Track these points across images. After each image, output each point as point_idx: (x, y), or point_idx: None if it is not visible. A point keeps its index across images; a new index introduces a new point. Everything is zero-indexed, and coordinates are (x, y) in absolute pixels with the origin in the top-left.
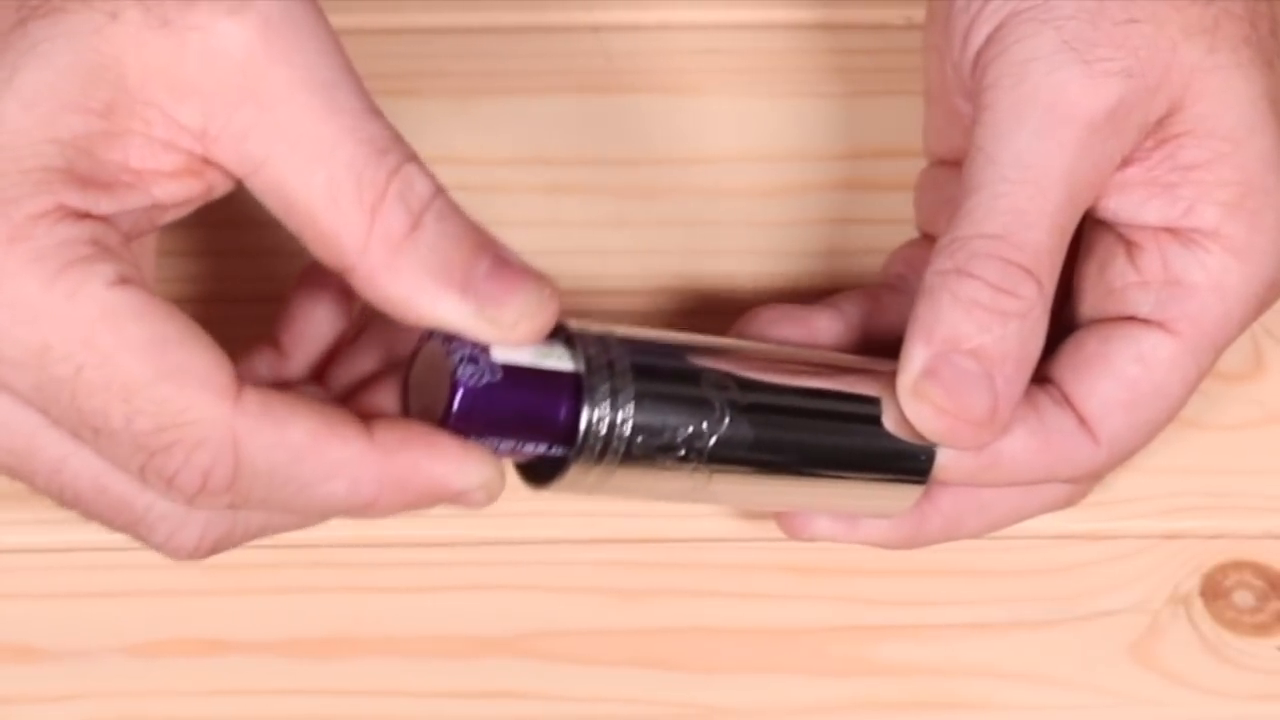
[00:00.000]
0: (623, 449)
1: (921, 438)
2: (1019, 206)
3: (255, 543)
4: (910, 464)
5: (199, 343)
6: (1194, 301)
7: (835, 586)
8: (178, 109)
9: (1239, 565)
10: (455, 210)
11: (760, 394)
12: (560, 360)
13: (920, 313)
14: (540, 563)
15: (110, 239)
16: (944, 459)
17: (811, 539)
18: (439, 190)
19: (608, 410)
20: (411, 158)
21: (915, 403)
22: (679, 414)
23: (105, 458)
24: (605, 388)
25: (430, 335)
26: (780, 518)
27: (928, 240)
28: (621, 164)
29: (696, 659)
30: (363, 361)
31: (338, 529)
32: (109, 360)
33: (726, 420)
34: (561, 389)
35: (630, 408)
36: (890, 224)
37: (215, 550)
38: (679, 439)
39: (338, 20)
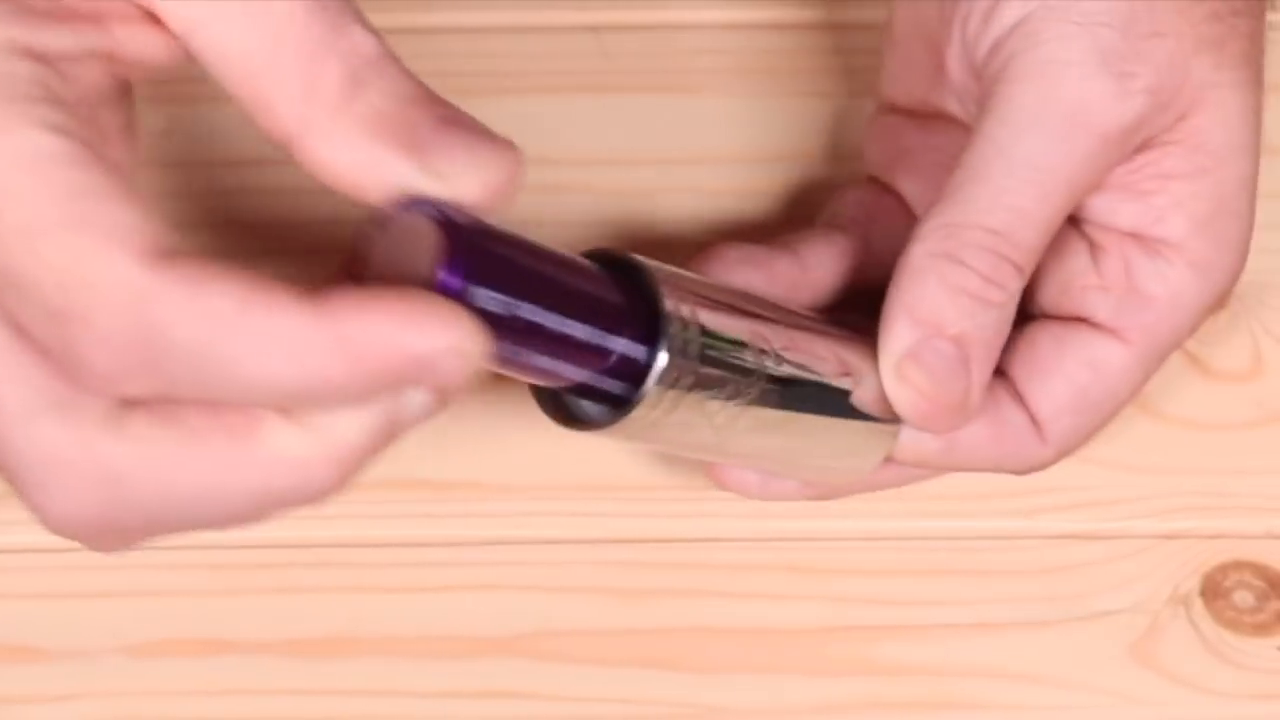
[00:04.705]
0: (681, 399)
1: (892, 414)
2: (1022, 206)
3: (255, 542)
4: (878, 437)
5: (124, 199)
6: (1151, 313)
7: (835, 586)
8: None
9: (1239, 565)
10: (400, 69)
11: (782, 373)
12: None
13: (905, 291)
14: (540, 563)
15: (65, 92)
16: (905, 438)
17: (736, 490)
18: (384, 49)
19: (680, 357)
20: (357, 18)
21: (899, 385)
22: (727, 371)
23: (25, 322)
24: (681, 337)
25: (390, 217)
26: (710, 469)
27: (876, 185)
28: (621, 164)
29: (696, 659)
30: None
31: (338, 529)
32: (24, 203)
33: (764, 384)
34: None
35: (696, 361)
36: None
37: (103, 529)
38: (723, 394)
39: None
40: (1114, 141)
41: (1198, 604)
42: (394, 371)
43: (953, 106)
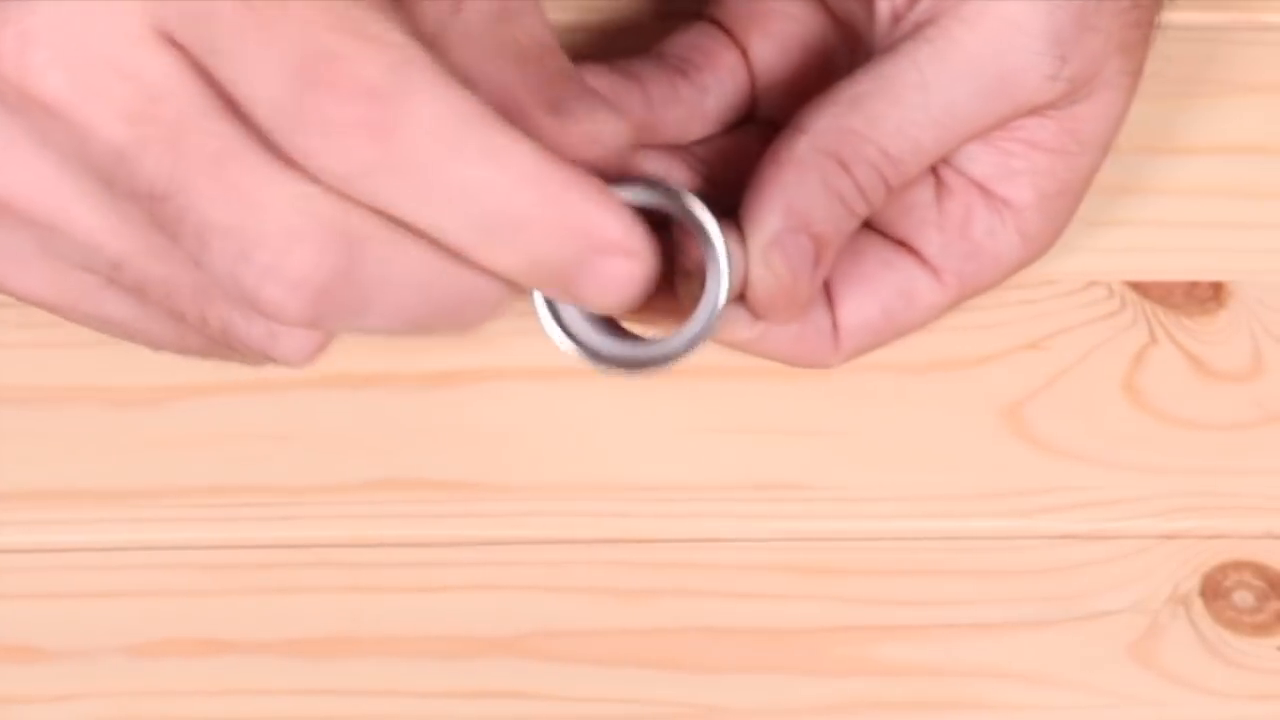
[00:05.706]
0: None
1: (740, 299)
2: (922, 142)
3: (255, 542)
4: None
5: None
6: (973, 264)
7: (835, 586)
8: None
9: (1239, 565)
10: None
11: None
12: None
13: (786, 179)
14: (540, 563)
15: None
16: (730, 319)
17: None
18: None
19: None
20: None
21: (764, 270)
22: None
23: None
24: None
25: None
26: None
27: (720, 32)
28: None
29: (696, 659)
30: None
31: (338, 529)
32: None
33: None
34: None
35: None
36: None
37: (328, 298)
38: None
39: None
40: (1023, 112)
41: (1197, 604)
42: (581, 240)
43: None
